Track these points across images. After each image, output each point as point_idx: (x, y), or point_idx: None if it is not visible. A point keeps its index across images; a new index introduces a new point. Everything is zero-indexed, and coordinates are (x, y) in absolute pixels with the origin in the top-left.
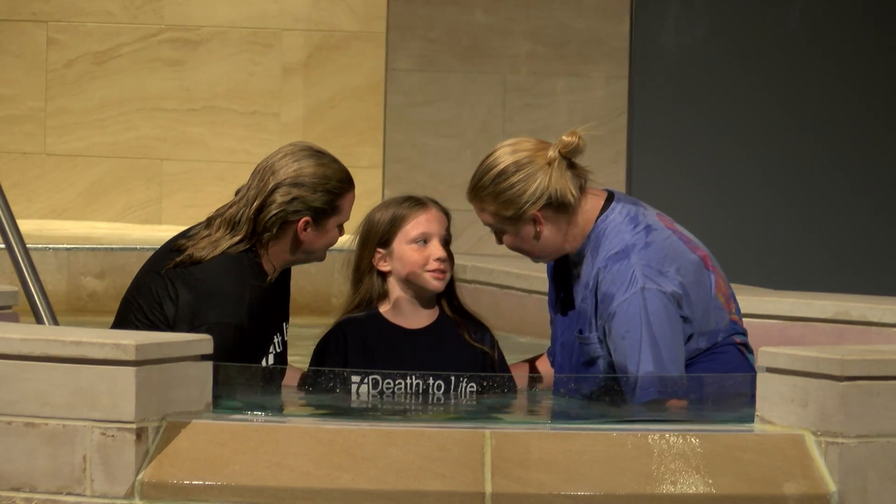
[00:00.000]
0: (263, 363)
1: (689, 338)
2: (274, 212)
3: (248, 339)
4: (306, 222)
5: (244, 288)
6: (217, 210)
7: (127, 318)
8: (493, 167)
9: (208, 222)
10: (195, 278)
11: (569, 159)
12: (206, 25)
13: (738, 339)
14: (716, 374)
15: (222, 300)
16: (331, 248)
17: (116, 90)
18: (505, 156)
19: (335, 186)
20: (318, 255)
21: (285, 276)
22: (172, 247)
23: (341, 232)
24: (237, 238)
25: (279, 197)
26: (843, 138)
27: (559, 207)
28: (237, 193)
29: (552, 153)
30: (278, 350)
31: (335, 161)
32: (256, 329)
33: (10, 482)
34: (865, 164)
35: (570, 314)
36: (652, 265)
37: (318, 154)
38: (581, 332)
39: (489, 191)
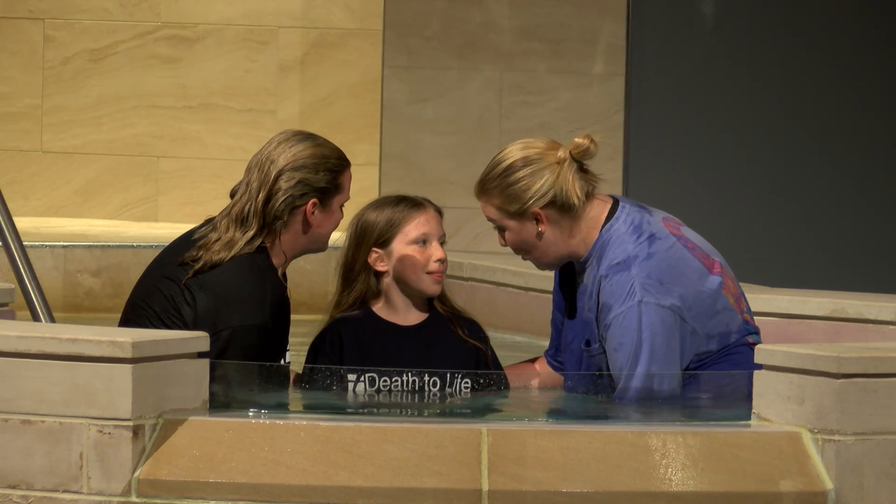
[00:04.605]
0: (282, 362)
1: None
2: (282, 199)
3: (271, 339)
4: (314, 204)
5: (265, 288)
6: (220, 213)
7: (139, 323)
8: (502, 161)
9: (213, 226)
10: (213, 283)
11: (579, 162)
12: (203, 23)
13: (751, 339)
14: (715, 372)
15: (244, 303)
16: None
17: (113, 87)
18: (515, 151)
19: (335, 164)
20: (324, 242)
21: None
22: (184, 260)
23: (341, 214)
24: (251, 233)
25: (284, 183)
26: (840, 136)
27: (563, 208)
28: (233, 195)
29: (562, 153)
30: (289, 349)
31: (328, 141)
32: (278, 328)
33: (6, 480)
34: (862, 161)
35: (578, 323)
36: (653, 276)
37: (311, 136)
38: (588, 343)
39: (496, 184)
